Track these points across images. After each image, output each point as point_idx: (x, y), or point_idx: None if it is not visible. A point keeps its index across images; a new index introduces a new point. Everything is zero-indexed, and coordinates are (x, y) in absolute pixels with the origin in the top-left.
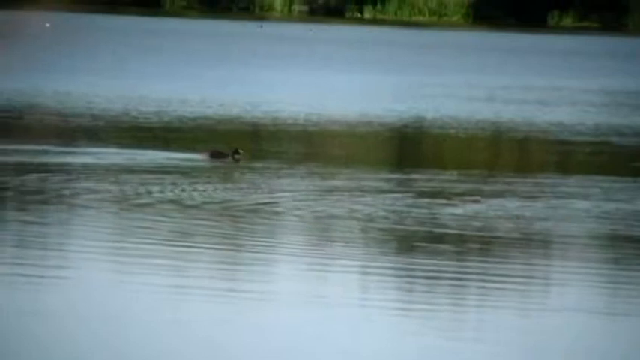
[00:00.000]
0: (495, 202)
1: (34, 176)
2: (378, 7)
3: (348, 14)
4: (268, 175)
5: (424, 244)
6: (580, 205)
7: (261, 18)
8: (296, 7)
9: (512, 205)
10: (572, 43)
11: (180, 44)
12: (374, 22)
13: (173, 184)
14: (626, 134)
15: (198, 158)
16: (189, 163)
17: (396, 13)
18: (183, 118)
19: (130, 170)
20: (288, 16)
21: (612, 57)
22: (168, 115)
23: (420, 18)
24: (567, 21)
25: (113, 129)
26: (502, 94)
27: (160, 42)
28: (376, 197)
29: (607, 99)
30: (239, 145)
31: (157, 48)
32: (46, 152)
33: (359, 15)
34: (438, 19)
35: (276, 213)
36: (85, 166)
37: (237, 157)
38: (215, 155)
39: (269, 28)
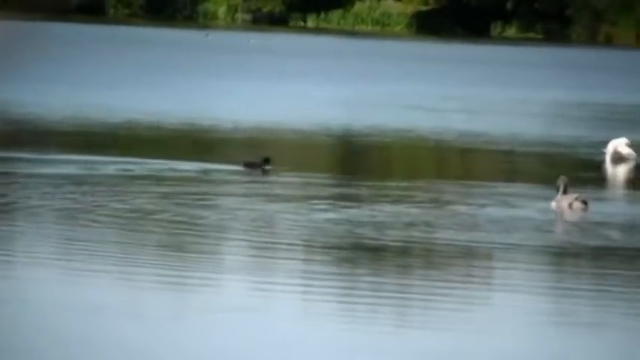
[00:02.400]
0: (388, 207)
1: None
2: (322, 16)
3: (292, 23)
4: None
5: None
6: (464, 209)
7: (205, 26)
8: (239, 16)
9: (408, 211)
10: (515, 53)
11: (127, 52)
12: (317, 31)
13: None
14: (555, 144)
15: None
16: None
17: (339, 23)
18: (112, 125)
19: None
20: (232, 25)
21: (553, 67)
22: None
23: (364, 28)
24: (511, 32)
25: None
26: (439, 103)
27: (108, 50)
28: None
29: (544, 109)
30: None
31: (107, 56)
32: None
33: (302, 24)
34: (381, 29)
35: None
36: (36, 175)
37: (266, 167)
38: (248, 165)
39: (214, 37)
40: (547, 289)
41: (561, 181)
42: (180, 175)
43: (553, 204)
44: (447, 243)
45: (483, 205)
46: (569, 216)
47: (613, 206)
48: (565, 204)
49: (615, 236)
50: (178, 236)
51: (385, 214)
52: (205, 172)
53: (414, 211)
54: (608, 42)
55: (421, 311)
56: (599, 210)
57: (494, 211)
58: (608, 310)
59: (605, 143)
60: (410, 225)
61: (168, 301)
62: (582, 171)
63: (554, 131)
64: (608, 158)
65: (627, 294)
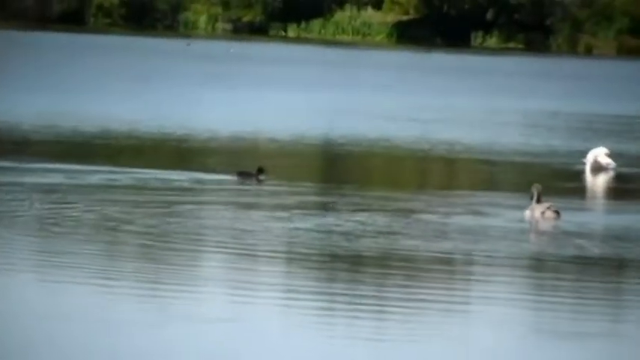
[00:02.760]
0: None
1: None
2: (302, 25)
3: (272, 32)
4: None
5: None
6: (428, 218)
7: (185, 36)
8: (220, 25)
9: (382, 220)
10: (495, 63)
11: (107, 61)
12: (298, 40)
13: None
14: (534, 154)
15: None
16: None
17: (319, 32)
18: (91, 134)
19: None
20: (212, 34)
21: (533, 77)
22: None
23: (344, 37)
24: (492, 42)
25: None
26: (419, 113)
27: (89, 59)
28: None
29: (524, 119)
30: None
31: (88, 65)
32: None
33: (283, 33)
34: (362, 39)
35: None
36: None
37: (261, 177)
38: (242, 175)
39: (195, 46)
40: (519, 300)
41: (535, 190)
42: (164, 185)
43: (526, 213)
44: (420, 252)
45: (459, 214)
46: (541, 225)
47: (588, 216)
48: (537, 213)
49: (586, 246)
50: (155, 246)
51: (360, 224)
52: (198, 181)
53: (388, 220)
54: (588, 52)
55: (397, 322)
56: (572, 219)
57: (468, 220)
58: (586, 320)
59: (584, 153)
60: (383, 234)
61: (144, 310)
62: (562, 180)
63: (534, 141)
64: (588, 168)
65: (602, 304)
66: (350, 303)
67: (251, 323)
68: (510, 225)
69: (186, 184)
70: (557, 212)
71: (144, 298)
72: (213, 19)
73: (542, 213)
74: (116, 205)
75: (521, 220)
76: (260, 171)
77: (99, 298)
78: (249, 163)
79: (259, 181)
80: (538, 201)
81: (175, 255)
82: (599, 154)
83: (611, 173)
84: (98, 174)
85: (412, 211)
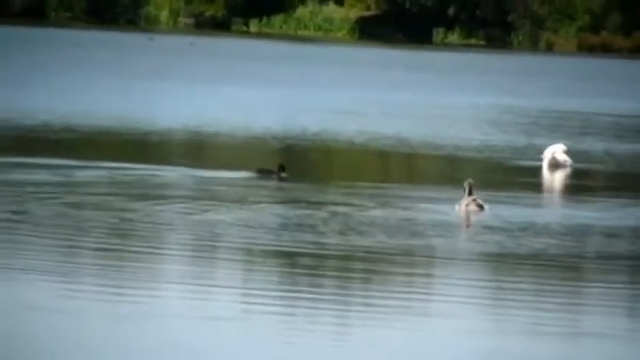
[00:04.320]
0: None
1: None
2: (264, 21)
3: (234, 27)
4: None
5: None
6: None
7: (147, 30)
8: (182, 20)
9: (324, 215)
10: (456, 59)
11: (68, 55)
12: (260, 35)
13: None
14: (492, 149)
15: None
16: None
17: (281, 28)
18: (52, 128)
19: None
20: (174, 29)
21: (494, 73)
22: (55, 125)
23: (306, 33)
24: (453, 38)
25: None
26: (378, 108)
27: (50, 53)
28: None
29: (484, 115)
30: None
31: (48, 59)
32: None
33: (245, 28)
34: (323, 35)
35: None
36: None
37: (282, 174)
38: (263, 172)
39: (158, 41)
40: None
41: (467, 184)
42: (126, 180)
43: (456, 207)
44: (352, 248)
45: (399, 209)
46: (465, 218)
47: (521, 210)
48: (463, 206)
49: (500, 240)
50: (117, 243)
51: (287, 218)
52: (206, 180)
53: (333, 215)
54: (549, 49)
55: (331, 326)
56: (499, 213)
57: (404, 214)
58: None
59: (543, 149)
60: (323, 230)
61: (107, 305)
62: (520, 176)
63: (493, 137)
64: (545, 164)
65: (522, 300)
66: (311, 300)
67: (210, 320)
68: (441, 218)
69: (155, 180)
70: (480, 206)
71: (106, 295)
72: (174, 14)
73: (467, 206)
74: (68, 197)
75: (452, 213)
76: (281, 168)
77: (62, 291)
78: (204, 157)
79: (281, 179)
80: (470, 194)
81: (139, 251)
82: (557, 150)
83: (568, 170)
84: (59, 170)
85: (355, 206)
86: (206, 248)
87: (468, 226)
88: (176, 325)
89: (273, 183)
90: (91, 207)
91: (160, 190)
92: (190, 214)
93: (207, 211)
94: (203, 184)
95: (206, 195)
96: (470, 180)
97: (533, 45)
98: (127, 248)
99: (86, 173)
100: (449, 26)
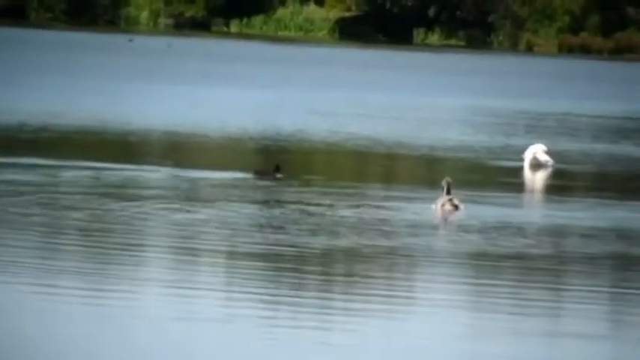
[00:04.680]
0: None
1: None
2: (244, 21)
3: (215, 28)
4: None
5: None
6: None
7: (127, 31)
8: (162, 21)
9: (296, 216)
10: (437, 60)
11: (49, 56)
12: (240, 36)
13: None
14: (473, 150)
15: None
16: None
17: (261, 28)
18: (30, 128)
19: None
20: (154, 30)
21: (474, 74)
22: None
23: (287, 33)
24: (433, 39)
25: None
26: (358, 109)
27: (30, 54)
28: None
29: (464, 116)
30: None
31: (28, 60)
32: None
33: (225, 29)
34: (304, 35)
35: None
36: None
37: (278, 175)
38: (260, 173)
39: (138, 42)
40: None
41: (445, 182)
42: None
43: (433, 206)
44: (330, 248)
45: (379, 208)
46: (441, 217)
47: (503, 210)
48: (439, 205)
49: (480, 241)
50: (96, 244)
51: (262, 217)
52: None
53: (310, 215)
54: (530, 50)
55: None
56: (480, 213)
57: (382, 214)
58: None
59: (523, 150)
60: (301, 230)
61: (84, 306)
62: (502, 177)
63: (475, 137)
64: (526, 164)
65: (502, 301)
66: (293, 302)
67: (188, 321)
68: (418, 218)
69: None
70: (455, 206)
71: (86, 298)
72: (154, 15)
73: (442, 205)
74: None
75: (429, 212)
76: (277, 169)
77: (38, 293)
78: (183, 157)
79: (276, 179)
80: (448, 193)
81: (112, 256)
82: (538, 150)
83: (549, 170)
84: (43, 170)
85: (328, 206)
86: (185, 249)
87: (445, 225)
88: (154, 325)
89: (266, 183)
90: (69, 207)
91: (139, 190)
92: (169, 214)
93: (186, 211)
94: (182, 183)
95: (186, 195)
96: (448, 179)
97: (514, 46)
98: (105, 249)
99: (64, 173)
100: (429, 27)
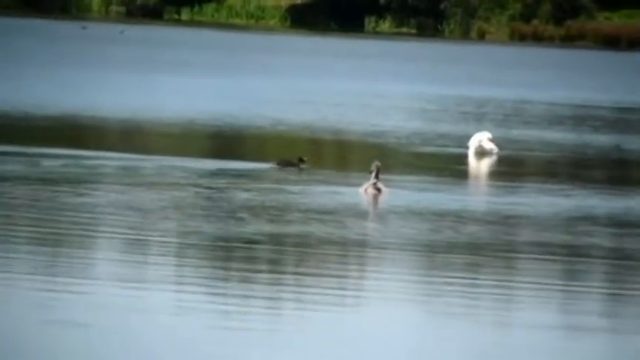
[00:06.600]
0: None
1: None
2: (196, 9)
3: (166, 16)
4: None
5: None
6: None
7: (79, 18)
8: (114, 8)
9: (232, 205)
10: (388, 48)
11: (2, 44)
12: (192, 24)
13: None
14: (421, 137)
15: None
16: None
17: (213, 16)
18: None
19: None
20: (106, 17)
21: (425, 62)
22: None
23: (238, 21)
24: (385, 26)
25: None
26: (309, 96)
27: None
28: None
29: (413, 103)
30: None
31: None
32: None
33: (177, 17)
34: (255, 22)
35: None
36: None
37: (302, 166)
38: (283, 164)
39: (91, 29)
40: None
41: (374, 166)
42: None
43: (360, 190)
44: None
45: (315, 194)
46: (365, 201)
47: (446, 196)
48: (363, 189)
49: (423, 228)
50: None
51: (220, 205)
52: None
53: (246, 202)
54: (481, 38)
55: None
56: (422, 198)
57: (308, 199)
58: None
59: (470, 137)
60: (240, 217)
61: (35, 297)
62: (446, 163)
63: (419, 124)
64: (471, 152)
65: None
66: (243, 287)
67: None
68: (349, 201)
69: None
70: (378, 189)
71: (38, 291)
72: (106, 2)
73: (366, 190)
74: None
75: (357, 195)
76: (301, 160)
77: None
78: (139, 145)
79: (301, 170)
80: (377, 177)
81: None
82: (483, 138)
83: (494, 157)
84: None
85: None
86: (138, 237)
87: (375, 210)
88: (106, 317)
89: (292, 173)
90: (21, 196)
91: (91, 177)
92: (121, 199)
93: (138, 196)
94: (133, 169)
95: (136, 181)
96: (377, 163)
97: (465, 34)
98: (59, 238)
99: (14, 160)
100: (380, 14)
